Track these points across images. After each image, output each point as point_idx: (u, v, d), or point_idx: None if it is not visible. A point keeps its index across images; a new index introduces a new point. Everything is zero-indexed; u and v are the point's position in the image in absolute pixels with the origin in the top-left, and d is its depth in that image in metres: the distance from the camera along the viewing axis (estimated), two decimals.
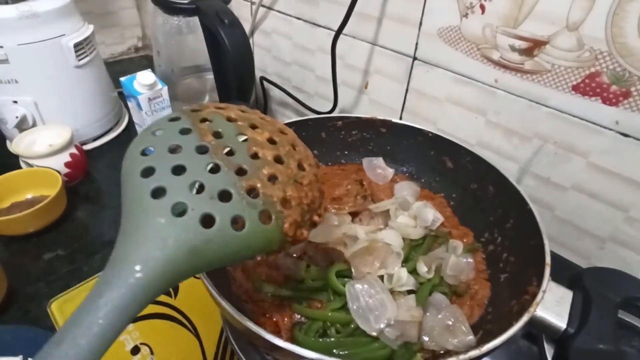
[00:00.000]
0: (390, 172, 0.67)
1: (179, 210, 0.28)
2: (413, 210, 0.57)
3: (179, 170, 0.29)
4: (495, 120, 0.71)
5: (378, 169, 0.67)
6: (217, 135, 0.33)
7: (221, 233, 0.28)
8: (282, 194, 0.32)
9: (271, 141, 0.35)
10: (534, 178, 0.70)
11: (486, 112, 0.72)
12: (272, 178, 0.32)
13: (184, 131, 0.32)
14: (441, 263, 0.51)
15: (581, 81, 0.59)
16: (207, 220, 0.28)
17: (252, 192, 0.31)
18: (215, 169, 0.30)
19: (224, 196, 0.29)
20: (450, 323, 0.44)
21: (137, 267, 0.26)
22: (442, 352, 0.43)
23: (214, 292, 0.38)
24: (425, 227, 0.56)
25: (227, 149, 0.32)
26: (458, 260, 0.50)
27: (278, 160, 0.33)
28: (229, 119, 0.35)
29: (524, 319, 0.37)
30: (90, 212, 0.80)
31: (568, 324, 0.38)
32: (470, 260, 0.51)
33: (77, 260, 0.69)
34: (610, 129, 0.59)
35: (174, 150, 0.31)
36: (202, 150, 0.31)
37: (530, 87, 0.65)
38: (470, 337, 0.43)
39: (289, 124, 0.66)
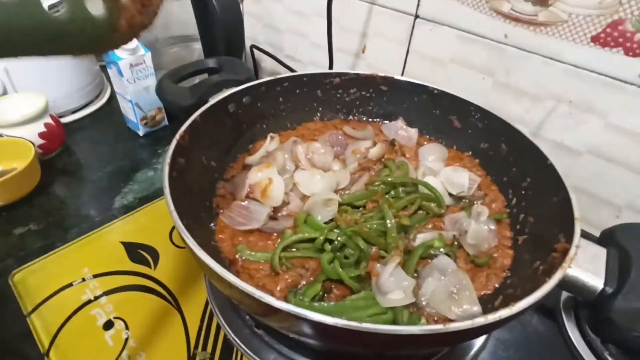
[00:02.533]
0: (413, 132, 0.61)
1: None
2: (442, 177, 0.52)
3: None
4: (505, 81, 0.66)
5: (400, 130, 0.61)
6: None
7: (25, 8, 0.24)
8: None
9: None
10: (545, 143, 0.65)
11: (495, 72, 0.66)
12: None
13: None
14: (463, 230, 0.45)
15: (602, 31, 0.54)
16: None
17: None
18: None
19: None
20: (454, 290, 0.39)
21: None
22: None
23: (201, 254, 0.32)
24: (459, 192, 0.51)
25: None
26: (479, 227, 0.45)
27: None
28: None
29: (558, 275, 0.32)
30: (68, 185, 0.74)
31: (605, 283, 0.33)
32: (493, 227, 0.46)
33: (51, 236, 0.62)
34: (632, 84, 0.54)
35: None
36: None
37: (544, 42, 0.59)
38: (477, 308, 0.38)
39: (281, 79, 0.60)
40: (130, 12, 0.28)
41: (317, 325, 0.28)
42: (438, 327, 0.27)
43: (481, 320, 0.28)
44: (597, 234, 0.64)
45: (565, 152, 0.64)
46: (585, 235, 0.64)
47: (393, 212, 0.45)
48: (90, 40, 0.28)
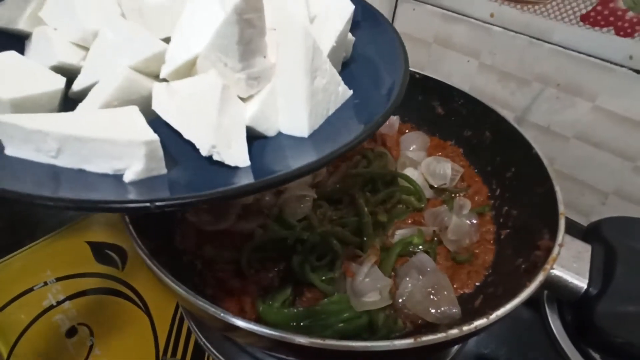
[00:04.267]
0: (394, 119, 0.58)
1: None
2: (423, 168, 0.50)
3: None
4: (490, 63, 0.63)
5: None
6: None
7: None
8: None
9: None
10: (532, 128, 0.63)
11: (480, 53, 0.63)
12: None
13: None
14: (444, 225, 0.43)
15: (592, 9, 0.51)
16: None
17: None
18: None
19: None
20: (432, 290, 0.37)
21: None
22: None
23: (148, 259, 0.30)
24: (441, 184, 0.49)
25: None
26: (461, 222, 0.43)
27: None
28: None
29: (539, 278, 0.30)
30: None
31: (589, 284, 0.32)
32: (475, 221, 0.44)
33: (17, 234, 0.59)
34: (623, 66, 0.52)
35: None
36: None
37: (531, 21, 0.56)
38: (455, 310, 0.36)
39: None
40: None
41: (277, 343, 0.26)
42: (408, 342, 0.25)
43: (455, 332, 0.26)
44: (582, 221, 0.64)
45: (552, 137, 0.61)
46: (571, 224, 0.62)
47: (370, 207, 0.43)
48: None
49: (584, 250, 0.34)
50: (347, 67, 0.35)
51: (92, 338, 0.44)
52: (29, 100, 0.26)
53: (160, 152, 0.24)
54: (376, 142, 0.54)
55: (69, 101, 0.28)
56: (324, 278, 0.37)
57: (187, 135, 0.25)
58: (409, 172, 0.48)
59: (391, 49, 0.33)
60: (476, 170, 0.52)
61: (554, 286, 0.32)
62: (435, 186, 0.49)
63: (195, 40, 0.27)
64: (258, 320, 0.34)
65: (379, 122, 0.27)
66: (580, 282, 0.32)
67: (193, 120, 0.25)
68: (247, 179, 0.24)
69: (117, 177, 0.24)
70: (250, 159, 0.26)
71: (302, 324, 0.34)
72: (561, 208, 0.36)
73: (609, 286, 0.31)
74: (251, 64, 0.26)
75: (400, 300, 0.37)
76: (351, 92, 0.31)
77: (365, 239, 0.40)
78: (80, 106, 0.27)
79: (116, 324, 0.45)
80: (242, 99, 0.28)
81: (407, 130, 0.58)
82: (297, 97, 0.27)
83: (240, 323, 0.27)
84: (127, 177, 0.23)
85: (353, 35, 0.35)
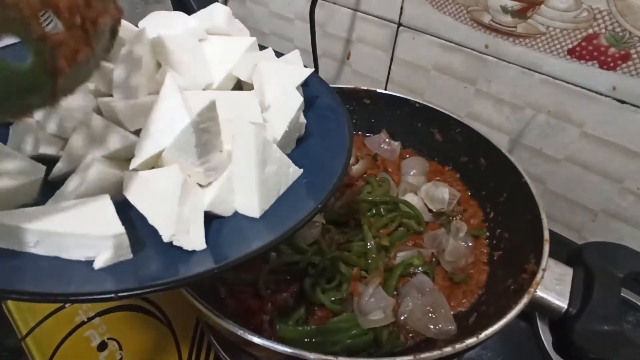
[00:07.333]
0: (396, 145, 0.62)
1: None
2: (422, 193, 0.54)
3: None
4: (486, 90, 0.67)
5: (382, 143, 0.62)
6: None
7: None
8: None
9: None
10: (525, 150, 0.67)
11: (476, 81, 0.67)
12: None
13: None
14: (442, 248, 0.47)
15: (577, 44, 0.55)
16: None
17: None
18: None
19: None
20: (431, 309, 0.41)
21: None
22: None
23: (186, 292, 0.34)
24: (439, 208, 0.52)
25: None
26: (457, 244, 0.47)
27: None
28: None
29: (524, 300, 0.34)
30: None
31: (569, 304, 0.35)
32: (470, 244, 0.48)
33: None
34: (607, 96, 0.56)
35: None
36: None
37: (522, 53, 0.60)
38: (452, 327, 0.40)
39: None
40: (70, 45, 0.22)
41: (290, 358, 0.30)
42: (408, 359, 0.29)
43: (449, 350, 0.30)
44: (575, 237, 0.67)
45: (545, 159, 0.65)
46: (562, 240, 0.66)
47: (373, 231, 0.47)
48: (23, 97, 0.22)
49: (566, 273, 0.38)
50: (301, 144, 0.38)
51: (121, 352, 0.48)
52: (13, 190, 0.29)
53: (126, 242, 0.27)
54: (379, 168, 0.58)
55: (47, 184, 0.31)
56: (333, 298, 0.42)
57: (151, 221, 0.28)
58: (409, 197, 0.52)
59: (340, 128, 0.37)
60: (472, 195, 0.56)
61: (538, 306, 0.36)
62: (434, 210, 0.53)
63: (161, 137, 0.30)
64: (274, 337, 0.38)
65: (324, 203, 0.30)
66: (561, 303, 0.36)
67: (156, 209, 0.28)
68: (204, 262, 0.27)
69: (88, 263, 0.27)
70: (208, 239, 0.28)
71: (314, 340, 0.38)
72: (546, 235, 0.39)
73: (587, 307, 0.34)
74: (208, 159, 0.30)
75: (402, 318, 0.41)
76: (301, 171, 0.34)
77: (369, 261, 0.44)
78: (58, 194, 0.30)
79: (142, 338, 0.50)
80: (201, 185, 0.31)
81: (407, 156, 0.62)
82: (249, 185, 0.30)
83: (256, 340, 0.31)
84: (97, 265, 0.26)
85: (308, 111, 0.38)
